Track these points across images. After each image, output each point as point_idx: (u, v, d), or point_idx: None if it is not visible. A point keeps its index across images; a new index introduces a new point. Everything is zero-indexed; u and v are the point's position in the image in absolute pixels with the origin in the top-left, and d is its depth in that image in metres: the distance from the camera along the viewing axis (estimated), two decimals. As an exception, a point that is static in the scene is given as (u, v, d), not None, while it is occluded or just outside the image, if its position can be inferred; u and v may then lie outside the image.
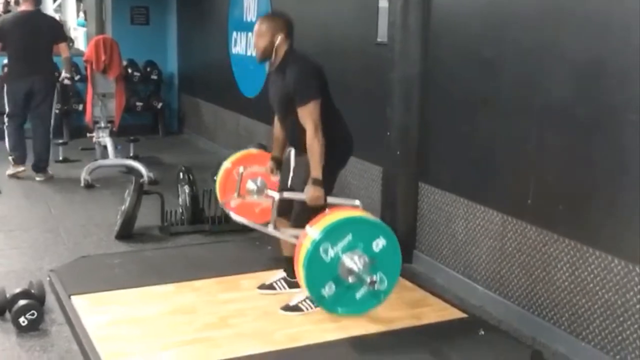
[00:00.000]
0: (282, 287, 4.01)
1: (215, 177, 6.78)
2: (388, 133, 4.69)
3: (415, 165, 4.65)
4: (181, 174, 5.65)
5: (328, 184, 3.63)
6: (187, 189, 5.46)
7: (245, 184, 4.27)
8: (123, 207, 5.14)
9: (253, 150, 4.68)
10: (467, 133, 4.23)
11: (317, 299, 3.28)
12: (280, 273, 4.05)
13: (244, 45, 7.51)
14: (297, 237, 3.47)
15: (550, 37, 3.56)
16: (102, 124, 7.35)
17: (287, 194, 3.64)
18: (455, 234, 4.33)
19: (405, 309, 3.88)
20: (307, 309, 3.72)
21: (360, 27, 5.25)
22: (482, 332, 3.61)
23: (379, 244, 3.24)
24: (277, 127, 3.98)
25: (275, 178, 4.10)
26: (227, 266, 4.46)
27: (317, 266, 3.18)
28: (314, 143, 3.51)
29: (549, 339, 3.59)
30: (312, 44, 6.02)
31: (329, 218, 3.25)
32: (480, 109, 4.10)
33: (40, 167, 6.92)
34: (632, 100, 3.11)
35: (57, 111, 8.64)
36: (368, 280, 3.17)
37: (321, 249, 3.16)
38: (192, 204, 5.39)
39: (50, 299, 3.95)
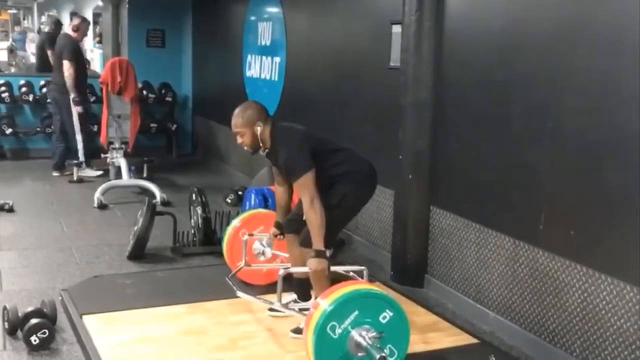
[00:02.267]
0: (292, 310, 4.00)
1: (227, 200, 6.86)
2: (400, 157, 4.71)
3: (427, 189, 4.66)
4: (194, 195, 5.68)
5: (345, 216, 3.77)
6: (199, 210, 5.48)
7: (251, 248, 4.29)
8: (135, 228, 5.17)
9: (262, 211, 4.71)
10: (479, 157, 4.24)
11: None
12: (291, 295, 4.05)
13: (258, 68, 7.58)
14: (304, 312, 3.44)
15: (562, 62, 3.58)
16: (117, 145, 7.42)
17: (291, 269, 3.73)
18: (467, 258, 4.32)
19: (417, 333, 3.84)
20: (318, 332, 3.71)
21: (373, 51, 5.29)
22: (493, 358, 3.59)
23: (385, 316, 3.21)
24: (278, 192, 4.02)
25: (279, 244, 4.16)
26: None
27: (326, 343, 3.14)
28: (310, 214, 3.52)
29: (561, 366, 3.57)
30: (326, 68, 6.08)
31: (336, 293, 3.21)
32: (492, 133, 4.12)
33: (57, 165, 8.03)
34: (644, 126, 3.12)
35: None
36: (377, 356, 3.11)
37: (328, 327, 3.12)
38: (204, 225, 5.41)
39: (62, 318, 3.97)
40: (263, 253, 4.31)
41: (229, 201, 6.84)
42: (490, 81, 4.12)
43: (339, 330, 3.11)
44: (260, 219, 4.41)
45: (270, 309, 4.04)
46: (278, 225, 4.04)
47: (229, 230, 4.44)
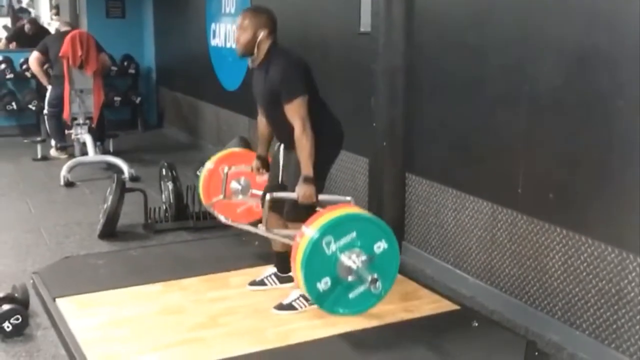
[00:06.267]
0: (273, 283, 3.95)
1: (198, 173, 6.73)
2: (373, 124, 4.64)
3: (402, 156, 4.61)
4: (164, 170, 5.55)
5: (319, 179, 3.57)
6: (170, 185, 5.37)
7: (229, 184, 4.21)
8: (105, 206, 5.05)
9: (236, 150, 4.63)
10: (454, 122, 4.19)
11: (311, 294, 3.17)
12: (271, 269, 4.00)
13: (223, 37, 7.41)
14: (291, 237, 3.40)
15: (536, 24, 3.52)
16: (81, 121, 7.23)
17: (277, 194, 3.58)
18: (445, 224, 4.29)
19: (397, 302, 3.83)
20: (301, 307, 3.65)
21: (343, 16, 5.18)
22: (476, 324, 3.58)
23: (380, 246, 3.15)
24: (261, 124, 3.93)
25: (261, 177, 4.05)
26: (214, 263, 4.38)
27: (316, 261, 3.07)
28: (302, 139, 3.44)
29: (543, 329, 3.57)
30: (294, 33, 5.94)
31: (328, 215, 3.16)
32: (467, 98, 4.06)
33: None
34: (620, 86, 3.09)
35: (33, 108, 8.57)
36: (369, 278, 3.05)
37: (323, 242, 3.05)
38: (176, 200, 5.30)
39: (34, 302, 3.86)
40: (241, 192, 4.26)
41: (199, 174, 6.70)
42: (463, 44, 4.05)
43: (333, 248, 3.05)
44: (235, 157, 4.36)
45: (251, 283, 3.99)
46: (260, 158, 3.97)
47: (203, 174, 4.39)
